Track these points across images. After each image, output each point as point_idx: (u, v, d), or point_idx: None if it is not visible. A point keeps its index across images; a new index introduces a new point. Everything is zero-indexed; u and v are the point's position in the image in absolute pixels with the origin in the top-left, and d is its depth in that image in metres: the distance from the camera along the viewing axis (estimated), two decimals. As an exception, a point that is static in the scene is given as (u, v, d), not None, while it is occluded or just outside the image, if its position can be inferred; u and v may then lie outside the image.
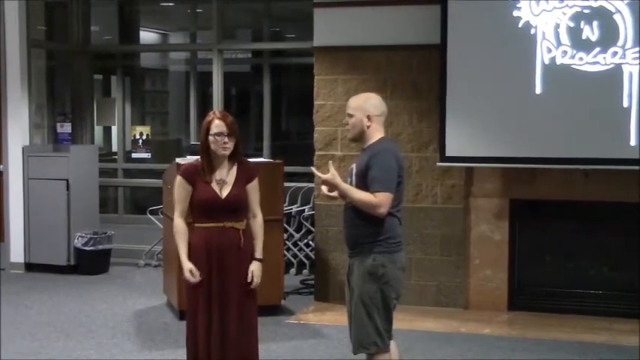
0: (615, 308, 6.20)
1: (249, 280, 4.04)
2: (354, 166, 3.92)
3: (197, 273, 3.98)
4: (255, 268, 4.07)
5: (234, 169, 4.07)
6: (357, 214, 3.80)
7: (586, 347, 5.48)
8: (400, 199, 3.85)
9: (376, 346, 3.82)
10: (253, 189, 4.12)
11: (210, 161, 4.03)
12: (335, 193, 3.86)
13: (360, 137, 3.90)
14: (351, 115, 3.90)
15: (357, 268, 3.84)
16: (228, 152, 4.02)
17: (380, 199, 3.71)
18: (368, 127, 3.86)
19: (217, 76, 8.47)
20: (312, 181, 6.98)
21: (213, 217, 4.00)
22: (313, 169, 4.06)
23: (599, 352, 5.39)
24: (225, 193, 4.01)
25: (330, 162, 4.05)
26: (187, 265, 4.00)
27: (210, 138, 3.99)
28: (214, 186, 4.01)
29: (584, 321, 6.09)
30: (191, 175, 4.05)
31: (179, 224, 4.07)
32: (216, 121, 4.00)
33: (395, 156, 3.83)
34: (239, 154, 4.10)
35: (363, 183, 3.77)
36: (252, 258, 4.08)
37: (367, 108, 3.87)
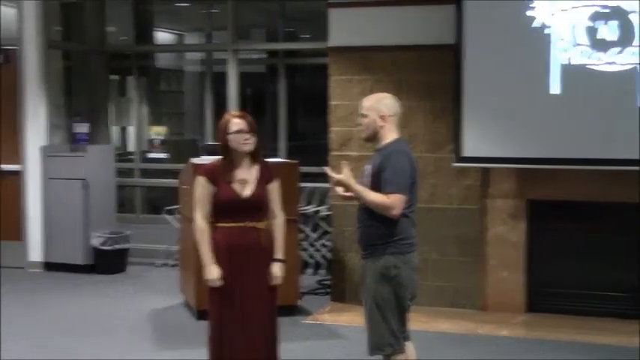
0: (637, 310, 6.10)
1: (271, 281, 4.05)
2: (368, 167, 3.90)
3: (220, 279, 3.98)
4: (276, 269, 4.07)
5: (255, 168, 4.05)
6: (370, 215, 3.79)
7: (606, 350, 5.42)
8: (414, 200, 3.84)
9: (391, 347, 3.81)
10: (274, 189, 4.11)
11: (230, 161, 4.01)
12: (350, 193, 3.86)
13: (373, 137, 3.88)
14: (364, 116, 3.89)
15: (369, 270, 3.84)
16: (250, 148, 3.98)
17: (393, 201, 3.69)
18: (381, 127, 3.84)
19: (232, 77, 8.48)
20: (328, 182, 6.96)
21: (235, 217, 3.98)
22: (327, 169, 4.05)
23: (620, 355, 5.32)
24: (246, 192, 3.99)
25: (344, 162, 3.99)
26: (215, 270, 3.96)
27: (230, 136, 3.96)
28: (236, 186, 3.99)
29: (604, 323, 6.01)
30: (213, 174, 4.03)
31: (202, 226, 4.01)
32: (234, 120, 4.00)
33: (408, 157, 3.81)
34: (260, 154, 4.08)
35: (376, 184, 3.76)
36: (274, 258, 4.08)
37: (380, 108, 3.86)
